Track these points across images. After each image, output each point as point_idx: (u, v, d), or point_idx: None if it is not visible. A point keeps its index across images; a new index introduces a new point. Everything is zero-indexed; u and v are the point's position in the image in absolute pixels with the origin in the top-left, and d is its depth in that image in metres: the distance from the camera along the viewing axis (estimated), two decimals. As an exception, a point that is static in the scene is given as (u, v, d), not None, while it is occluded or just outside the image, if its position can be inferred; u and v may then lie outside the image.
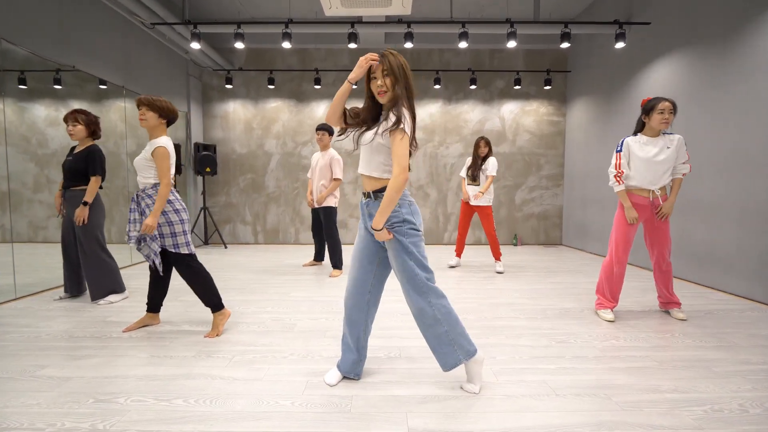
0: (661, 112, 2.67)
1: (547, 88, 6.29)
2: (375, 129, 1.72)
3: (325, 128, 4.18)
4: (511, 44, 4.49)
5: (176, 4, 5.22)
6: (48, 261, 4.70)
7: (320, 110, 6.58)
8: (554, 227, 6.75)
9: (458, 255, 4.72)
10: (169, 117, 2.54)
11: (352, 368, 1.93)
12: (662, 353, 2.27)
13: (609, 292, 2.89)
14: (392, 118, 1.65)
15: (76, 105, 5.13)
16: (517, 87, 6.26)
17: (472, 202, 4.39)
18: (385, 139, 1.69)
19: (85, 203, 3.06)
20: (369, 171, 1.76)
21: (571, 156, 6.43)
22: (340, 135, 1.89)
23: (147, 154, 2.46)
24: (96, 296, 3.18)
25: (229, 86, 6.27)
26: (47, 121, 5.04)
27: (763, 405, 1.73)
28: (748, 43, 3.38)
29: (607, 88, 5.39)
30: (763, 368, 2.08)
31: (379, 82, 1.70)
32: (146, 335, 2.53)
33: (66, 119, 3.09)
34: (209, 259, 5.28)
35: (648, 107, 2.73)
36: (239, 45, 4.55)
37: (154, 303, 2.67)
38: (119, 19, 4.71)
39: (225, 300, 3.29)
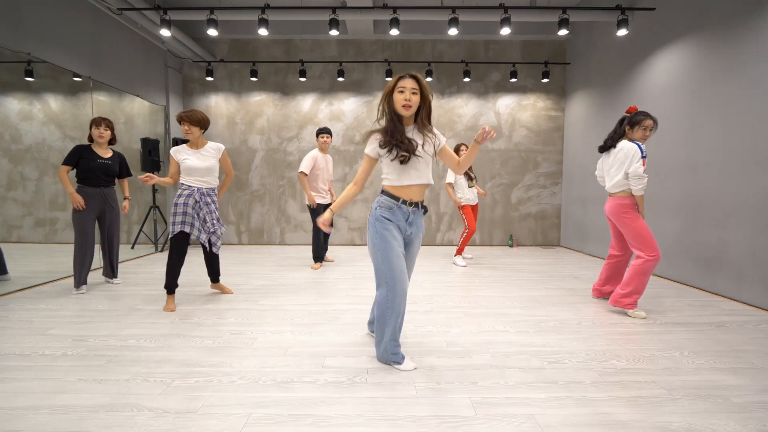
0: (645, 129, 2.80)
1: (545, 81, 5.95)
2: (422, 144, 1.99)
3: (330, 132, 4.50)
4: (505, 31, 4.16)
5: (149, -10, 4.89)
6: (22, 261, 4.42)
7: (307, 104, 6.26)
8: (552, 228, 6.43)
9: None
10: (207, 126, 3.07)
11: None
12: (671, 378, 1.96)
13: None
14: (437, 134, 2.07)
15: (51, 99, 4.82)
16: (514, 80, 5.93)
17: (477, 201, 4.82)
18: (431, 153, 2.03)
19: (127, 198, 3.76)
20: (425, 181, 2.02)
21: (571, 153, 6.10)
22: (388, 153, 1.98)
23: (214, 160, 3.06)
24: (114, 275, 3.79)
25: (209, 78, 5.95)
26: (21, 115, 4.73)
27: (797, 451, 1.42)
28: (761, 28, 3.06)
29: (609, 80, 5.07)
30: (791, 398, 1.77)
31: (406, 96, 1.92)
32: (84, 351, 2.22)
33: (99, 124, 3.49)
34: (187, 260, 4.96)
35: (635, 120, 2.82)
36: (213, 32, 4.22)
37: (213, 276, 3.36)
38: (85, 5, 4.39)
39: (188, 309, 2.99)
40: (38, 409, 1.66)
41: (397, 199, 2.00)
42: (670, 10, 4.02)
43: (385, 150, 1.96)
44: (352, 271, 4.44)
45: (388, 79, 5.97)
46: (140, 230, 5.56)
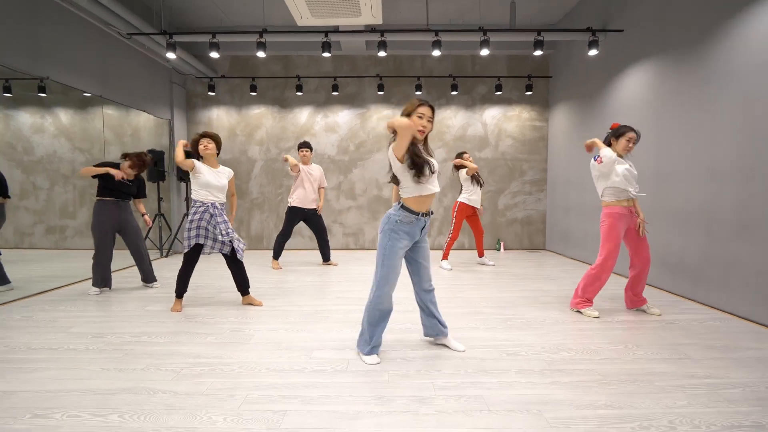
0: (628, 140, 3.03)
1: (529, 93, 6.30)
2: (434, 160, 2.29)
3: (310, 146, 5.05)
4: (484, 52, 4.50)
5: (155, 14, 5.26)
6: (35, 267, 4.75)
7: (303, 116, 6.61)
8: (538, 232, 6.75)
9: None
10: (221, 145, 3.41)
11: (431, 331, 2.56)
12: (609, 366, 2.28)
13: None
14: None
15: (61, 113, 5.19)
16: (499, 93, 6.28)
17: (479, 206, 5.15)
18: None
19: (145, 214, 4.15)
20: (438, 189, 2.28)
21: (554, 161, 6.44)
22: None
23: (226, 180, 3.39)
24: (152, 278, 4.15)
25: (212, 93, 6.31)
26: (33, 128, 5.10)
27: (692, 422, 1.73)
28: (719, 49, 3.39)
29: (586, 94, 5.40)
30: (705, 382, 2.09)
31: (424, 122, 2.20)
32: (103, 346, 2.55)
33: (127, 158, 3.92)
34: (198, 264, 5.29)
35: (619, 133, 3.06)
36: (215, 54, 4.58)
37: (242, 287, 3.47)
38: (95, 30, 4.75)
39: (193, 310, 3.32)
40: (69, 392, 1.99)
41: (417, 213, 2.23)
42: (637, 32, 4.35)
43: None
44: (346, 274, 4.76)
45: (380, 92, 6.32)
46: (146, 236, 5.91)
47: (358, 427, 1.70)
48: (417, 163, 2.16)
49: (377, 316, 2.33)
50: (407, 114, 2.22)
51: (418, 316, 3.14)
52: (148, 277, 4.12)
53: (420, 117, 2.19)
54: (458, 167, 5.08)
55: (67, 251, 5.42)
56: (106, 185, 3.80)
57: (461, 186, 5.12)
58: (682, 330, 2.86)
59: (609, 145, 3.14)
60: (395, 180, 2.32)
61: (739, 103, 3.18)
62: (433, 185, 2.25)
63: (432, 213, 2.36)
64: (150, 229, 4.16)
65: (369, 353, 2.34)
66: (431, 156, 2.31)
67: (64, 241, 5.50)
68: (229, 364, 2.30)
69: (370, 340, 2.35)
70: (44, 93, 4.65)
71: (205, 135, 3.31)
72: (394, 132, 2.10)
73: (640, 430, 1.67)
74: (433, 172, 2.24)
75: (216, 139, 3.34)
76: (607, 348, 2.53)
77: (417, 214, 2.24)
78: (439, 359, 2.37)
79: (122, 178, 3.81)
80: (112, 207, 3.84)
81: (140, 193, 4.09)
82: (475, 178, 5.06)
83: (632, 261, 3.22)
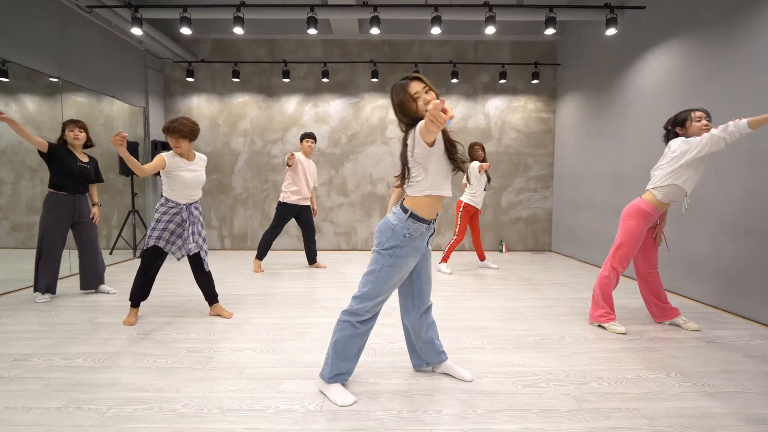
0: (698, 120, 2.48)
1: (535, 82, 5.82)
2: None
3: (314, 137, 4.59)
4: (490, 30, 4.01)
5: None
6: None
7: (291, 105, 6.10)
8: (543, 232, 6.27)
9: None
10: (197, 136, 2.74)
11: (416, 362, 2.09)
12: (655, 404, 1.80)
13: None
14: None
15: (28, 100, 4.66)
16: (503, 81, 5.79)
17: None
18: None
19: (96, 204, 3.60)
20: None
21: (562, 156, 5.96)
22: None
23: (204, 173, 2.81)
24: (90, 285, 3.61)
25: (191, 79, 5.78)
26: (-5, 116, 4.57)
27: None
28: (756, 26, 2.91)
29: (599, 81, 4.92)
30: (784, 430, 1.61)
31: (429, 97, 1.70)
32: (23, 373, 2.05)
33: (73, 126, 3.35)
34: (165, 267, 4.78)
35: (680, 119, 2.56)
36: (186, 30, 4.06)
37: (209, 295, 2.96)
38: (53, 4, 4.22)
39: (150, 322, 2.82)
40: (-50, 445, 1.49)
41: (428, 222, 1.79)
42: (661, 8, 3.87)
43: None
44: (334, 279, 4.27)
45: (375, 80, 5.82)
46: (119, 235, 5.39)
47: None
48: (452, 142, 1.72)
49: (349, 334, 1.82)
50: (401, 104, 1.73)
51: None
52: (98, 280, 3.61)
53: (417, 98, 1.71)
54: (470, 161, 4.57)
55: (32, 251, 4.93)
56: (64, 168, 3.27)
57: (467, 182, 4.61)
58: (729, 351, 2.39)
59: (676, 137, 2.54)
60: (405, 175, 1.77)
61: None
62: (449, 186, 1.80)
63: (438, 216, 1.91)
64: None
65: (331, 381, 1.84)
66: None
67: (32, 240, 4.99)
68: (172, 401, 1.80)
69: (339, 376, 1.86)
70: (6, 78, 4.14)
71: (169, 131, 2.60)
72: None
73: None
74: (464, 162, 1.78)
75: (184, 132, 2.63)
76: (645, 377, 2.06)
77: (428, 222, 1.78)
78: (439, 393, 1.89)
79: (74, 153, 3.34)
80: (67, 205, 3.35)
81: (97, 177, 3.56)
82: (487, 175, 4.60)
83: (642, 270, 2.81)
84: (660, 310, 2.82)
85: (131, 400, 1.81)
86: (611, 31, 4.09)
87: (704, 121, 2.46)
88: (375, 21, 3.99)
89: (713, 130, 2.31)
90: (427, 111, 1.61)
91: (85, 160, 3.47)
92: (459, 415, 1.71)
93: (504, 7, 4.19)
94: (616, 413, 1.72)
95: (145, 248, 2.75)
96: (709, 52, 3.33)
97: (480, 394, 1.88)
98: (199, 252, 2.83)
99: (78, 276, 3.65)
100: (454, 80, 5.76)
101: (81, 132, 3.37)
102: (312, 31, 4.06)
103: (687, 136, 2.51)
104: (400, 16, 4.35)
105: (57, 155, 3.26)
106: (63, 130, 3.36)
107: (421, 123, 1.58)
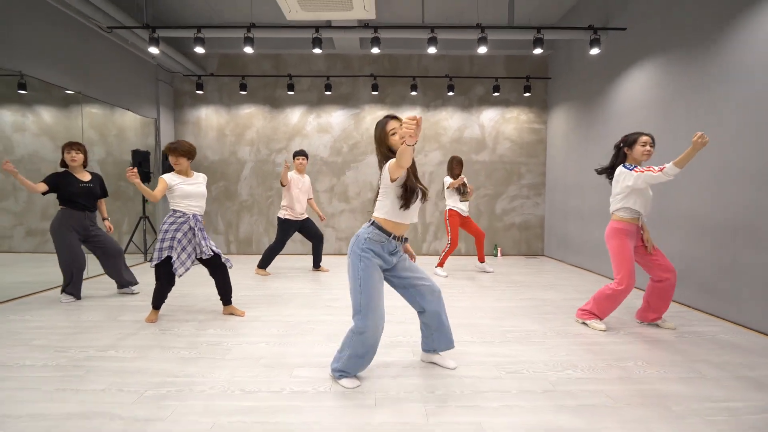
0: (643, 145, 2.79)
1: (527, 95, 6.13)
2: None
3: (306, 154, 4.82)
4: (482, 50, 4.32)
5: (139, 8, 5.04)
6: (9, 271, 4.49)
7: (295, 116, 6.40)
8: (536, 238, 6.56)
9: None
10: (194, 157, 3.12)
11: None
12: (620, 387, 2.07)
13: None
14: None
15: (44, 111, 4.95)
16: (497, 94, 6.10)
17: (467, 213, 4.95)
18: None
19: (106, 219, 3.84)
20: (416, 220, 2.13)
21: (553, 165, 6.26)
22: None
23: (204, 187, 3.16)
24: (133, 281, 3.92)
25: (200, 92, 6.09)
26: (14, 127, 4.85)
27: (718, 456, 1.53)
28: (728, 47, 3.22)
29: (587, 95, 5.23)
30: (726, 406, 1.89)
31: (401, 129, 1.79)
32: (64, 362, 2.31)
33: (70, 149, 3.51)
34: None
35: (630, 140, 2.84)
36: (200, 50, 4.37)
37: (225, 296, 3.23)
38: (75, 23, 4.52)
39: (170, 319, 3.09)
40: (18, 418, 1.76)
41: (389, 234, 2.02)
42: (640, 30, 4.19)
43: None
44: (337, 281, 4.54)
45: (375, 93, 6.13)
46: (130, 240, 5.66)
47: (339, 463, 1.48)
48: (409, 187, 1.97)
49: (361, 351, 2.02)
50: (379, 138, 2.04)
51: (410, 328, 2.93)
52: (127, 283, 3.83)
53: (393, 134, 2.00)
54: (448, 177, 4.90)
55: (47, 255, 5.18)
56: (68, 192, 3.47)
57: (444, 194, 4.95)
58: (693, 345, 2.66)
59: (624, 157, 2.88)
60: (375, 197, 2.12)
61: (749, 104, 3.01)
62: (414, 215, 2.07)
63: (406, 240, 2.16)
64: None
65: (341, 377, 2.09)
66: (420, 183, 2.08)
67: (45, 245, 5.25)
68: (200, 384, 2.07)
69: (345, 369, 2.08)
70: (24, 90, 4.43)
71: (169, 151, 2.98)
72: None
73: (661, 467, 1.47)
74: (425, 200, 2.08)
75: (182, 151, 3.01)
76: (615, 365, 2.33)
77: (389, 234, 2.03)
78: (432, 378, 2.16)
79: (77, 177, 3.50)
80: (79, 218, 3.56)
81: (103, 192, 3.73)
82: (459, 190, 4.84)
83: (654, 275, 2.92)
84: (646, 312, 3.00)
85: (164, 383, 2.08)
86: (595, 51, 4.40)
87: (648, 147, 2.77)
88: (375, 41, 4.30)
89: (652, 172, 2.64)
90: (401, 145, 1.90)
91: (87, 178, 3.60)
92: (449, 394, 1.98)
93: (495, 28, 4.50)
94: (584, 394, 2.00)
95: (157, 262, 2.94)
96: (686, 70, 3.63)
97: (468, 379, 2.15)
98: (215, 253, 3.11)
99: (102, 277, 3.91)
100: (451, 93, 6.07)
101: (78, 153, 3.51)
102: (317, 51, 4.36)
103: (630, 158, 2.84)
104: (399, 36, 4.66)
105: (58, 186, 3.45)
106: (62, 153, 3.52)
107: (391, 160, 1.90)
